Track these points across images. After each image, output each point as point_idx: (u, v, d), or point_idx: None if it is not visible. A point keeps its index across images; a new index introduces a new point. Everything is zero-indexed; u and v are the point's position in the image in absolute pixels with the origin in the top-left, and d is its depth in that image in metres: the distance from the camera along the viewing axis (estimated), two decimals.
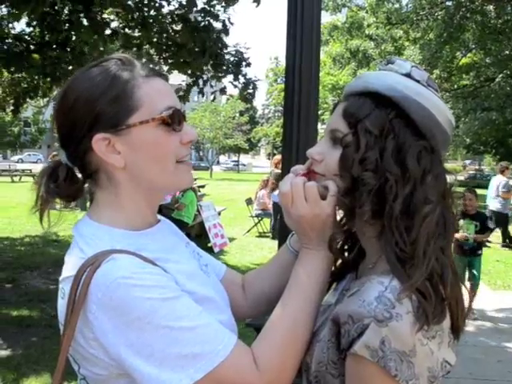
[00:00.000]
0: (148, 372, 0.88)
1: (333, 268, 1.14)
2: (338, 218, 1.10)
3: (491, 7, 18.19)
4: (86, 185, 1.11)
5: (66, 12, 6.50)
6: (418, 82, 1.03)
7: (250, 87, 7.46)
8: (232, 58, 7.41)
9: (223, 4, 7.05)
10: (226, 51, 7.29)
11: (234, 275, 1.34)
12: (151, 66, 1.08)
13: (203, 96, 8.22)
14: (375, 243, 1.02)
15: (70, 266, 0.97)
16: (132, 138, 1.00)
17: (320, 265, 1.07)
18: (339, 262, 1.16)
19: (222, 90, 7.88)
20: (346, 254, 1.15)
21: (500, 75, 19.21)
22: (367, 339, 0.87)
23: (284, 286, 1.08)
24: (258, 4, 6.37)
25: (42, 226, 1.06)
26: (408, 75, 1.03)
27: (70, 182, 1.07)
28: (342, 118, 1.03)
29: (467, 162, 60.22)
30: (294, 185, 1.06)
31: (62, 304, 0.97)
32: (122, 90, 1.00)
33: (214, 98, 8.72)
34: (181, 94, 7.91)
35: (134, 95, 1.00)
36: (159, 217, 1.17)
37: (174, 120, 1.02)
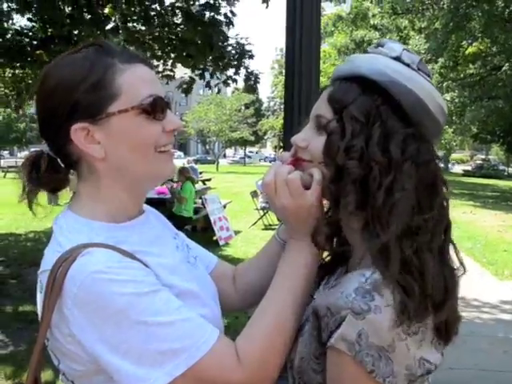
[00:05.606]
0: (125, 369, 0.86)
1: (323, 261, 1.10)
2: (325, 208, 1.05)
3: None
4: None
5: (68, 7, 6.48)
6: (408, 65, 0.97)
7: (252, 80, 7.44)
8: (233, 51, 7.37)
9: None
10: (226, 43, 7.26)
11: (225, 267, 1.31)
12: (134, 52, 1.04)
13: (210, 89, 8.18)
14: (360, 236, 0.97)
15: (48, 259, 0.94)
16: (111, 127, 0.96)
17: (305, 256, 1.03)
18: (330, 256, 1.11)
19: (225, 82, 7.85)
20: (336, 247, 1.09)
21: (507, 64, 19.00)
22: (343, 331, 0.85)
23: (272, 278, 1.05)
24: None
25: (34, 214, 1.04)
26: (398, 58, 0.98)
27: (52, 172, 1.03)
28: (327, 104, 0.99)
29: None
30: (277, 175, 1.02)
31: (40, 298, 0.95)
32: (100, 78, 0.96)
33: (219, 91, 8.69)
34: (184, 86, 7.89)
35: (114, 83, 0.96)
36: (146, 207, 1.14)
37: (155, 108, 0.98)
